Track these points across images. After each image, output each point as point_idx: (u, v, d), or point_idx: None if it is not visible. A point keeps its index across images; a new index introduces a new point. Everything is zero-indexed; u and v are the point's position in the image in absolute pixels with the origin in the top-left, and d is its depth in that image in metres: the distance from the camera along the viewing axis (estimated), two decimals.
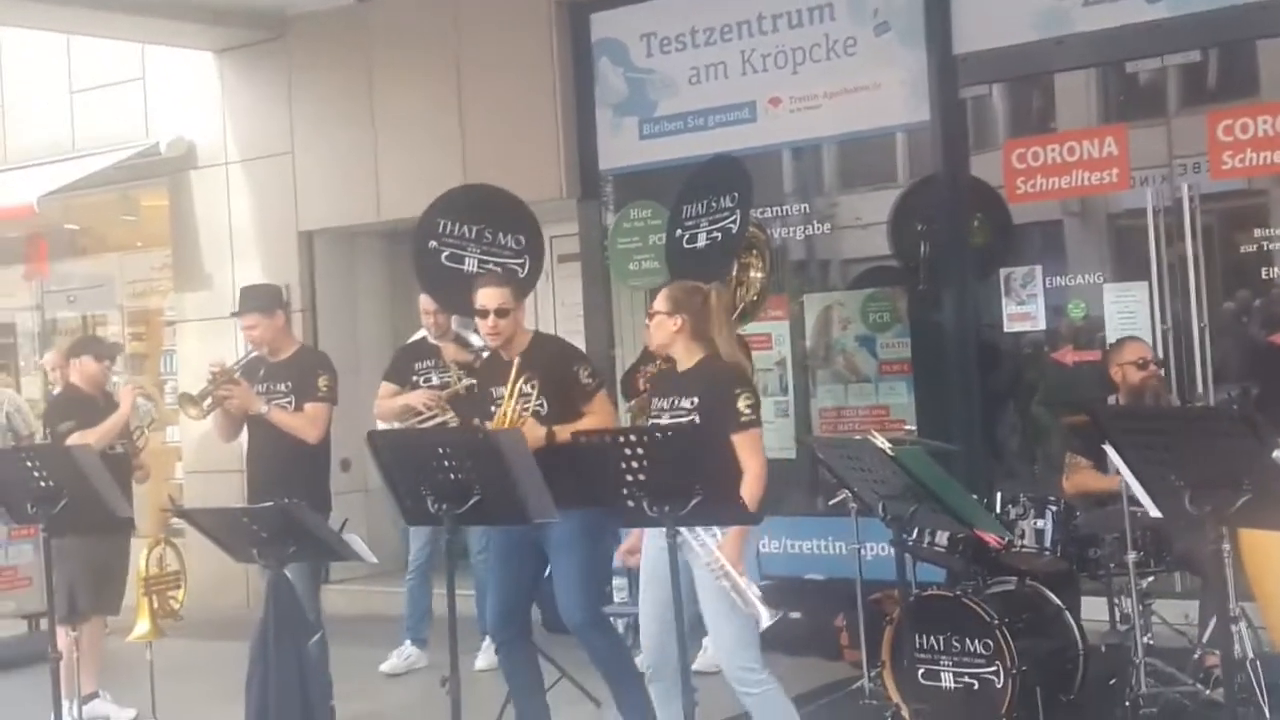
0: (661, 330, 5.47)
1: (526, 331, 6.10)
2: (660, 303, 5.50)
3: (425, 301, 7.82)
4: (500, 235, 7.50)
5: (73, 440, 7.11)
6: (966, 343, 8.23)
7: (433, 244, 7.35)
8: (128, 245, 12.45)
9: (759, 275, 7.38)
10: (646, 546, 5.36)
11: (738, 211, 7.18)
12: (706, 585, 5.27)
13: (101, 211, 12.25)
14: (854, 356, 8.66)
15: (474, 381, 7.48)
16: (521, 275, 7.13)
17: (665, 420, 5.36)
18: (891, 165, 9.45)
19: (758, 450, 5.20)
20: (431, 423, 7.42)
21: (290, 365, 6.86)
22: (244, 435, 6.89)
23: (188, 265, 11.20)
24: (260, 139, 10.79)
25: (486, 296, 5.96)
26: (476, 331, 7.80)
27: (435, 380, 7.78)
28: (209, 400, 6.71)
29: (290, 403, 6.76)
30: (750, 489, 5.01)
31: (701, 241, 7.33)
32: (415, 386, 7.82)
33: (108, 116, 11.42)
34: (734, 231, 7.18)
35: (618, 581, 7.90)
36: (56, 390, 7.65)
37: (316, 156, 10.51)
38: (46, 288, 12.84)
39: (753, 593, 4.99)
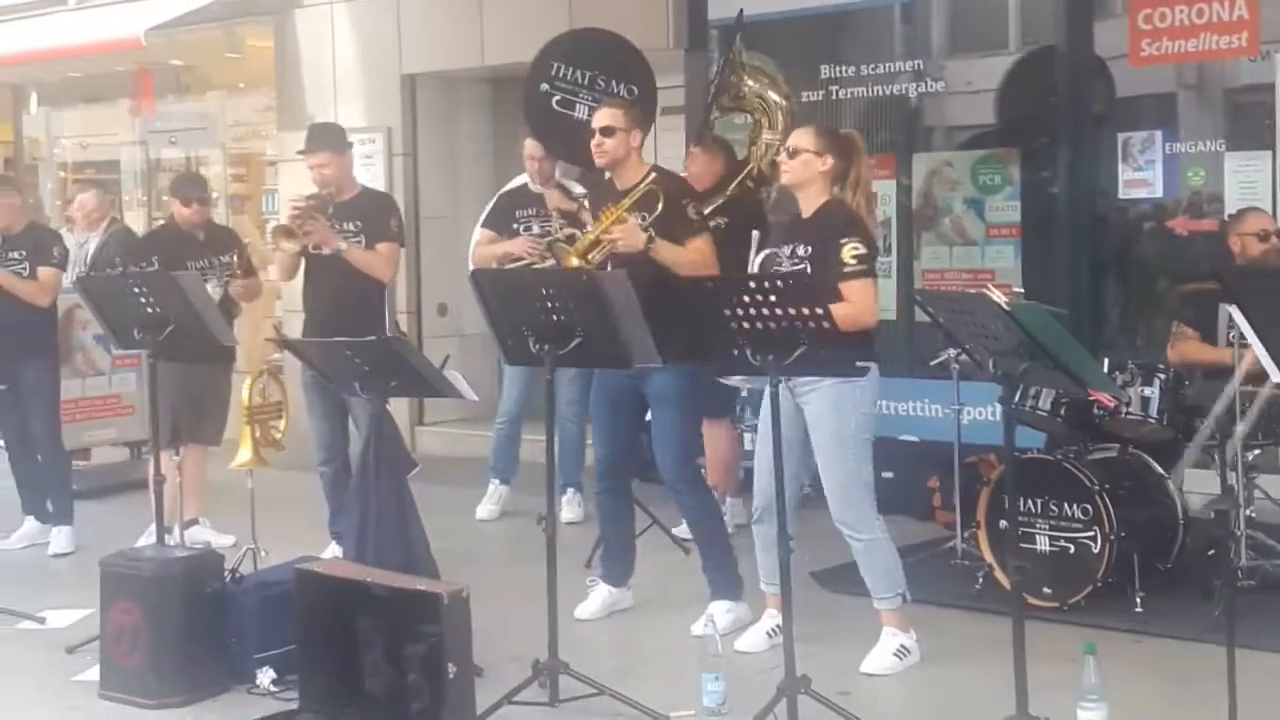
0: (806, 169, 5.34)
1: (644, 164, 5.98)
2: (807, 140, 5.37)
3: (531, 146, 7.72)
4: (614, 84, 7.43)
5: None
6: (1079, 207, 8.05)
7: (545, 87, 7.26)
8: (231, 85, 12.49)
9: (772, 137, 7.24)
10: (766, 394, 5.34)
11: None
12: (817, 430, 5.29)
13: (206, 48, 12.26)
14: (962, 218, 8.50)
15: (575, 231, 7.44)
16: None
17: (785, 269, 5.28)
18: (1004, 30, 9.18)
19: (862, 297, 5.12)
20: None
21: (357, 205, 6.80)
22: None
23: (291, 104, 11.20)
24: None
25: (598, 116, 5.90)
26: (579, 181, 7.78)
27: (536, 229, 7.68)
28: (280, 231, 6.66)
29: (360, 242, 6.70)
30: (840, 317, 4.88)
31: (581, 113, 7.19)
32: (516, 234, 7.75)
33: None
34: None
35: None
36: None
37: None
38: (150, 126, 12.91)
39: None
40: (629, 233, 5.61)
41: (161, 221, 7.69)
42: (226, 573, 5.46)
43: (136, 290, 5.74)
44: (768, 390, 4.80)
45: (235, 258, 7.45)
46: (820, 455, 5.37)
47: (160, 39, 10.87)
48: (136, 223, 12.78)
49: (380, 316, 6.81)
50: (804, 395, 5.30)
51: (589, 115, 7.05)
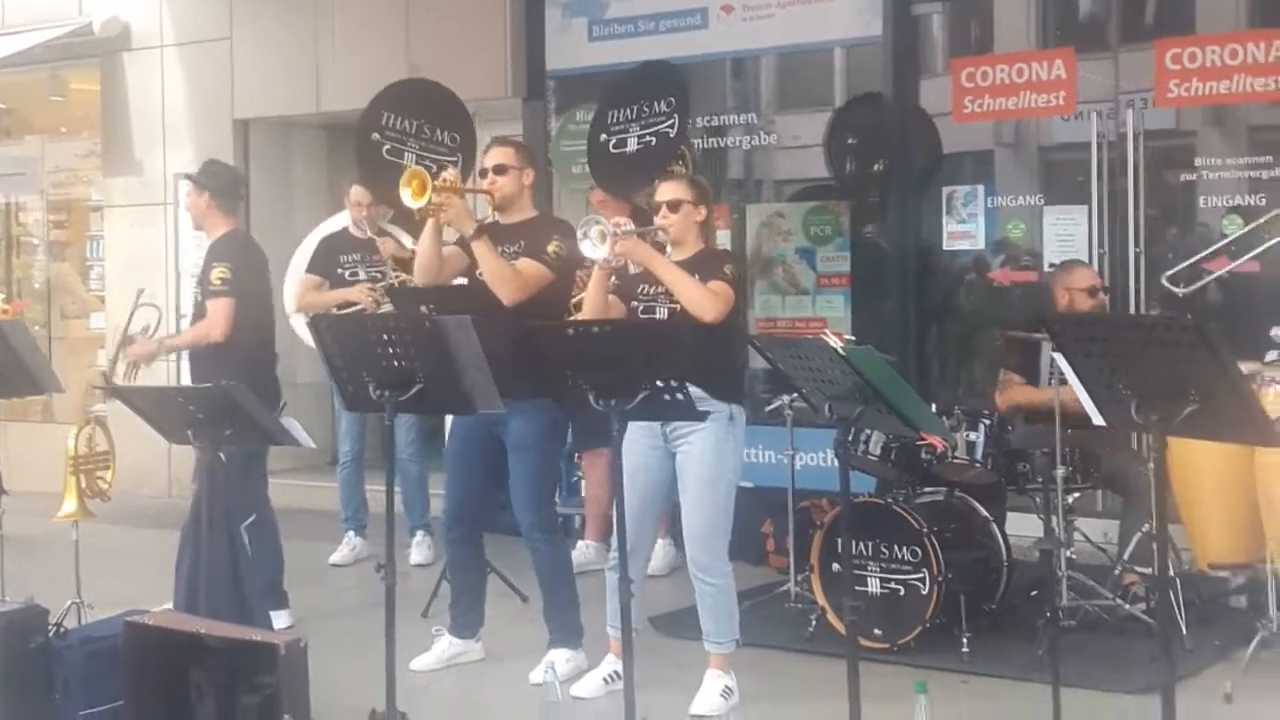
0: (687, 221, 5.42)
1: (535, 210, 6.01)
2: (684, 191, 5.45)
3: (359, 193, 7.74)
4: (437, 131, 7.55)
5: None
6: (906, 258, 8.29)
7: (375, 135, 7.34)
8: (52, 129, 12.18)
9: None
10: (628, 440, 5.31)
11: (675, 116, 7.24)
12: (691, 473, 5.35)
13: (30, 91, 11.96)
14: (793, 268, 8.69)
15: (408, 277, 7.44)
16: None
17: (662, 308, 5.36)
18: (831, 86, 9.45)
19: (722, 291, 5.26)
20: None
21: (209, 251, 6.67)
22: None
23: (118, 150, 10.98)
24: (197, 23, 10.59)
25: (490, 155, 5.91)
26: (406, 230, 7.80)
27: (363, 275, 7.74)
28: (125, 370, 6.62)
29: (199, 293, 6.58)
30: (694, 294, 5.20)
31: (633, 146, 7.36)
32: (341, 280, 7.75)
33: None
34: (671, 136, 7.25)
35: None
36: None
37: (255, 43, 10.33)
38: None
39: None
40: (459, 211, 5.61)
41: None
42: (50, 627, 5.31)
43: None
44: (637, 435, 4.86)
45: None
46: (690, 497, 5.41)
47: None
48: None
49: (260, 368, 6.60)
50: (682, 438, 5.35)
51: (416, 163, 7.12)
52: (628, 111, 7.43)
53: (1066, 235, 7.83)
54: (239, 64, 10.40)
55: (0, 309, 10.92)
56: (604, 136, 7.51)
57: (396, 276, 7.59)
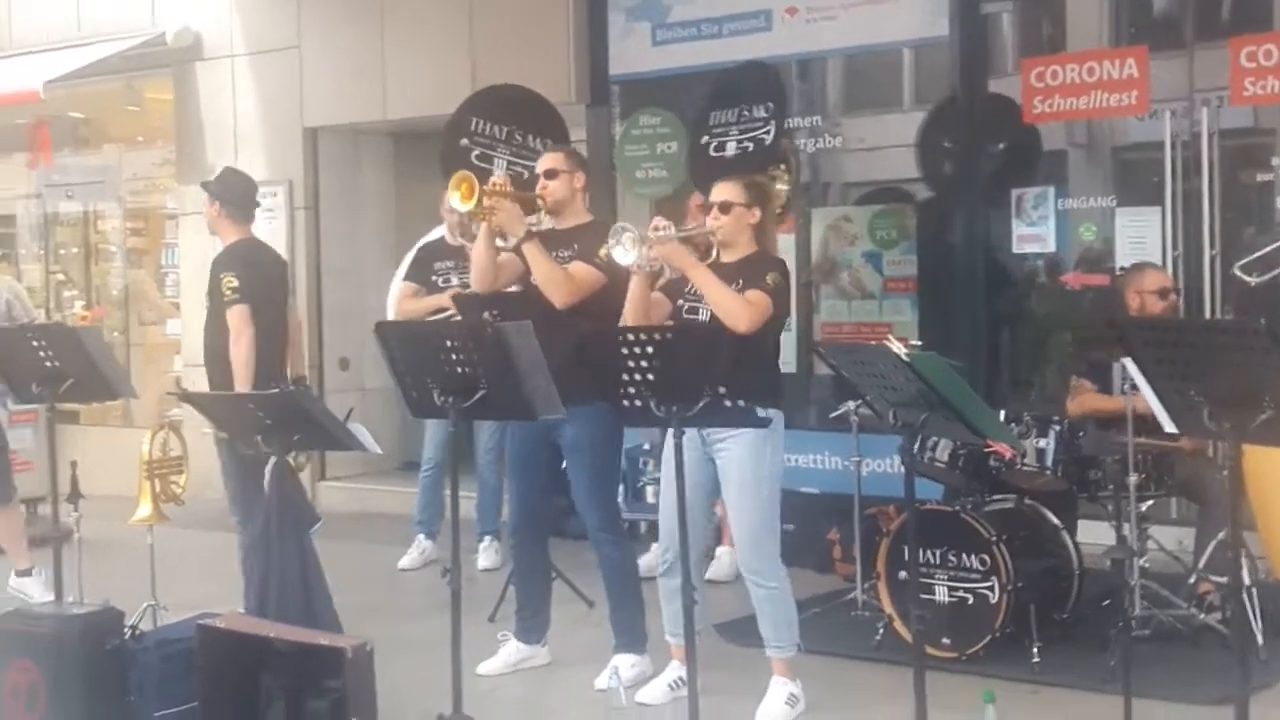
0: (738, 223, 5.36)
1: (589, 214, 6.03)
2: (737, 193, 5.38)
3: None
4: (529, 138, 7.56)
5: None
6: (974, 262, 8.21)
7: (464, 142, 7.37)
8: (129, 138, 12.35)
9: (785, 188, 7.40)
10: (668, 443, 5.29)
11: (772, 122, 7.21)
12: (732, 478, 5.30)
13: (105, 101, 12.13)
14: (859, 272, 8.64)
15: None
16: None
17: (705, 309, 5.30)
18: (899, 87, 9.39)
19: (758, 301, 5.18)
20: None
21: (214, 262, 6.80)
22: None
23: (191, 158, 11.10)
24: (267, 32, 10.68)
25: (541, 161, 5.95)
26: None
27: (455, 281, 7.77)
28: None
29: (208, 302, 6.75)
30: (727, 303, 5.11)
31: (731, 150, 7.35)
32: (435, 287, 7.81)
33: (114, 4, 11.29)
34: (767, 143, 7.21)
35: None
36: None
37: (324, 52, 10.41)
38: (47, 179, 12.73)
39: None
40: (510, 215, 5.65)
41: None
42: (126, 629, 5.37)
43: (35, 344, 5.67)
44: (669, 441, 4.82)
45: None
46: (734, 502, 5.38)
47: (59, 92, 10.75)
48: (34, 276, 12.60)
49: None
50: (720, 443, 5.32)
51: (507, 169, 7.16)
52: (729, 114, 7.41)
53: (1139, 237, 7.73)
54: (308, 73, 10.49)
55: (79, 315, 11.22)
56: (705, 139, 7.50)
57: None
